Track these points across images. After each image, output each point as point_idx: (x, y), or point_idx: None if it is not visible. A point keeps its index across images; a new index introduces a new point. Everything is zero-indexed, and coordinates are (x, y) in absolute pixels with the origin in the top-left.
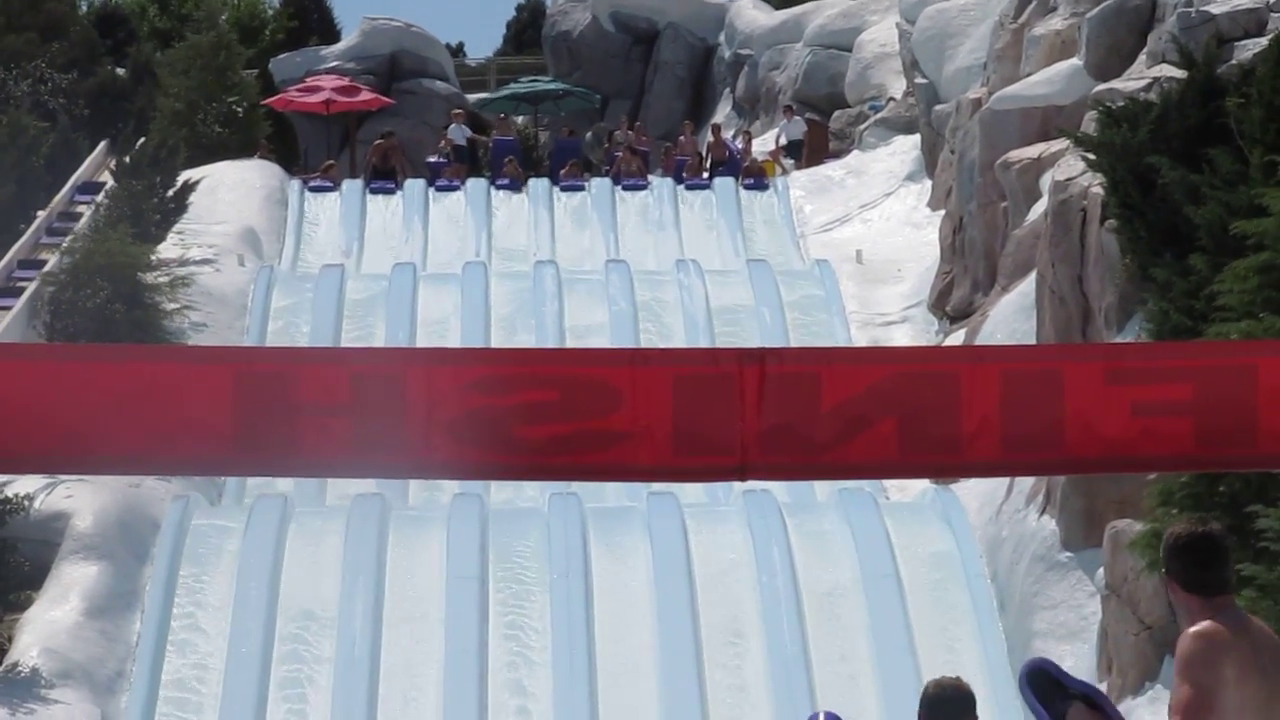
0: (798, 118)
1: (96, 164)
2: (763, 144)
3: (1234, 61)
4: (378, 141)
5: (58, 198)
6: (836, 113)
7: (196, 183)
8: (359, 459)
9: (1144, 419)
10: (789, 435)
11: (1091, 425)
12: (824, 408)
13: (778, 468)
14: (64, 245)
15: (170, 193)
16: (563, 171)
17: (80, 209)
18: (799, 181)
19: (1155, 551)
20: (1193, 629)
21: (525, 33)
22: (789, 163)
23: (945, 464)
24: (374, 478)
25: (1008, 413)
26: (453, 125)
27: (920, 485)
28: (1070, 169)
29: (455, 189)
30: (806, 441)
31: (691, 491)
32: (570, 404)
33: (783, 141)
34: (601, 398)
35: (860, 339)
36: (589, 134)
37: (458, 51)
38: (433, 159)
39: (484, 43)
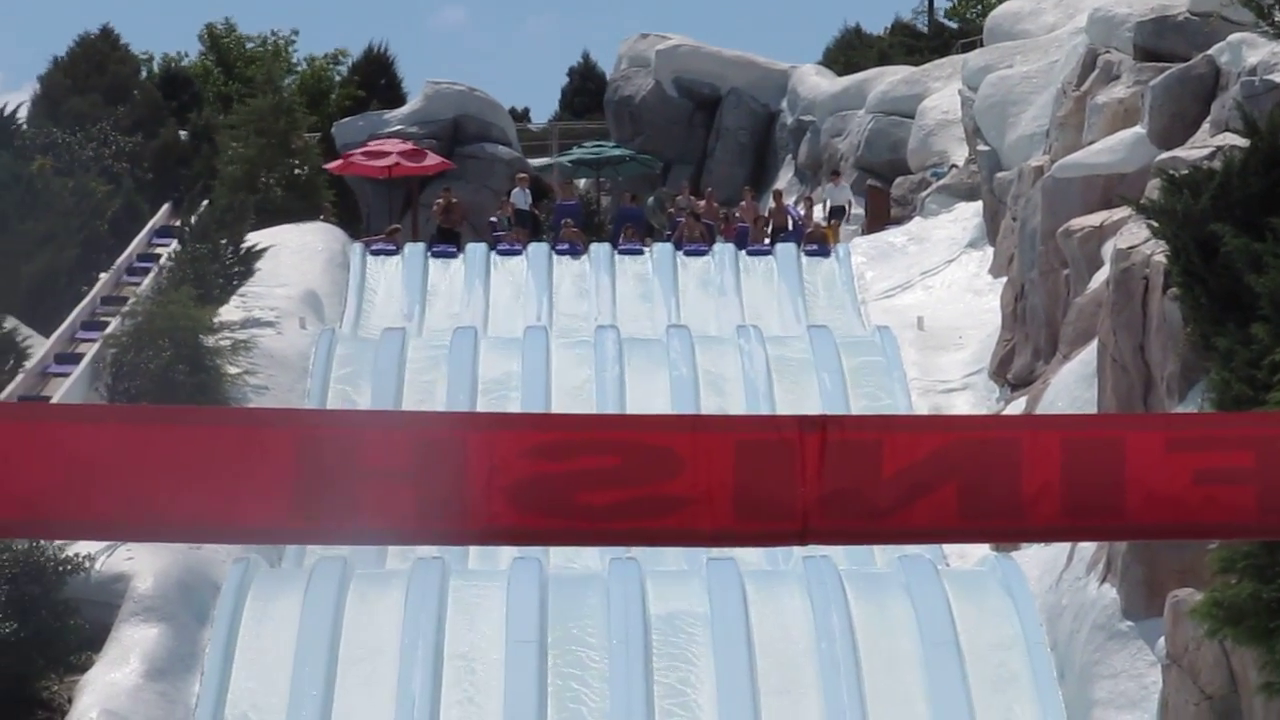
0: (844, 183)
1: (159, 226)
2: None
3: None
4: (438, 200)
5: (120, 259)
6: (899, 179)
7: (264, 249)
8: (420, 526)
9: (1206, 486)
10: (850, 500)
11: (1153, 492)
12: (885, 474)
13: (839, 532)
14: (126, 308)
15: (236, 256)
16: (623, 236)
17: (141, 274)
18: (860, 248)
19: (1215, 620)
20: None
21: (576, 97)
22: (849, 229)
23: (1006, 529)
24: (435, 544)
25: (1068, 479)
26: (515, 190)
27: (980, 553)
28: (1132, 237)
29: (517, 253)
30: (868, 506)
31: (751, 557)
32: (631, 469)
33: (826, 207)
34: (663, 463)
35: (921, 406)
36: (651, 199)
37: (522, 116)
38: (494, 220)
39: (544, 106)
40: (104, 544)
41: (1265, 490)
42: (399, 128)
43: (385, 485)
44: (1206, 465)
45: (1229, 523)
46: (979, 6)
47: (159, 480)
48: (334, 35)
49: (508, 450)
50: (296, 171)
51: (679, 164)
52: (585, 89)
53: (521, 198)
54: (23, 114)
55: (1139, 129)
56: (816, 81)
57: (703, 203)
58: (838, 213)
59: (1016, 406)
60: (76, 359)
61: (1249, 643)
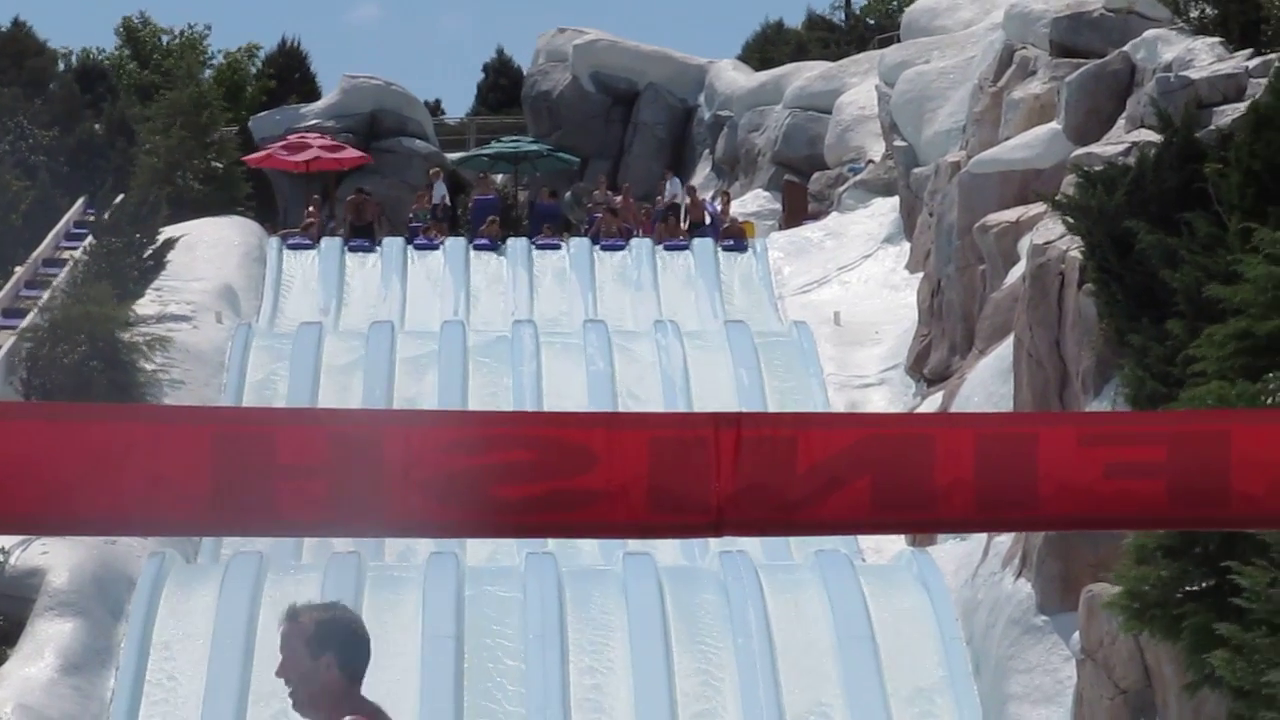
0: (675, 178)
1: (75, 220)
2: (741, 205)
3: (1212, 126)
4: (350, 198)
5: (36, 253)
6: (816, 174)
7: (175, 240)
8: (336, 519)
9: (1118, 479)
10: (764, 494)
11: (1065, 485)
12: (800, 469)
13: (752, 524)
14: (41, 302)
15: (150, 250)
16: (541, 233)
17: (58, 267)
18: (778, 243)
19: (1129, 612)
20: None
21: (491, 93)
22: (766, 224)
23: (919, 520)
24: (351, 537)
25: (981, 473)
26: (435, 183)
27: (896, 548)
28: (1048, 232)
29: (434, 247)
30: (781, 500)
31: (668, 552)
32: (546, 464)
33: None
34: (577, 458)
35: (838, 401)
36: (568, 194)
37: (436, 109)
38: (411, 218)
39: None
40: (19, 539)
41: (1175, 482)
42: (316, 121)
43: (301, 482)
44: (1118, 459)
45: (1140, 514)
46: (895, 2)
47: (73, 476)
48: (247, 31)
49: (424, 444)
50: (215, 165)
51: (596, 159)
52: (499, 85)
53: (440, 191)
54: None
55: (1055, 125)
56: (734, 77)
57: (619, 198)
58: (673, 209)
59: (933, 401)
60: None
61: (1162, 635)
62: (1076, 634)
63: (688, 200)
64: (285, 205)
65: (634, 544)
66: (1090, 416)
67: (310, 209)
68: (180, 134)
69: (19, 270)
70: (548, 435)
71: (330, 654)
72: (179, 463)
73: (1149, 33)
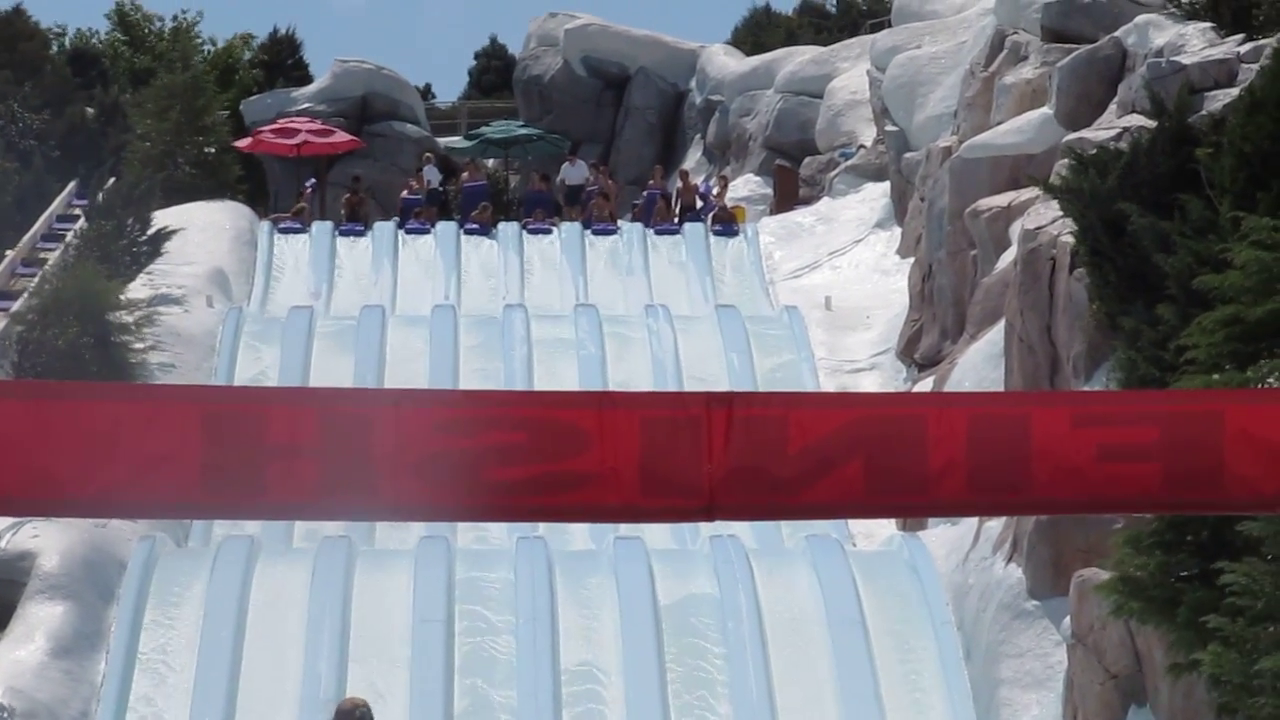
0: (580, 161)
1: (67, 203)
2: (732, 190)
3: (1204, 111)
4: (346, 196)
5: (27, 236)
6: (807, 159)
7: (173, 231)
8: (326, 501)
9: (1111, 462)
10: (756, 477)
11: (1058, 467)
12: (791, 450)
13: (744, 508)
14: (32, 285)
15: (144, 236)
16: (532, 219)
17: (49, 251)
18: (769, 228)
19: (1121, 596)
20: None
21: (484, 76)
22: (757, 209)
23: (911, 504)
24: (341, 520)
25: (974, 455)
26: (427, 167)
27: (887, 532)
28: (1040, 217)
29: (425, 232)
30: (773, 482)
31: (658, 536)
32: (538, 446)
33: (564, 186)
34: (569, 440)
35: (828, 386)
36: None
37: (426, 93)
38: (406, 195)
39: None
40: (9, 522)
41: (1169, 466)
42: (307, 105)
43: (291, 462)
44: (1111, 441)
45: (1134, 497)
46: None
47: (64, 456)
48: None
49: (415, 426)
50: (207, 150)
51: (588, 143)
52: (492, 68)
53: (433, 174)
54: None
55: (1046, 110)
56: (725, 61)
57: (611, 182)
58: (574, 193)
59: (924, 387)
60: None
61: (1153, 619)
62: (1067, 619)
63: (680, 184)
64: (276, 189)
65: (625, 528)
66: (1083, 396)
67: (301, 194)
68: (177, 118)
69: (10, 254)
70: (540, 416)
71: None
72: (170, 442)
73: (1140, 18)
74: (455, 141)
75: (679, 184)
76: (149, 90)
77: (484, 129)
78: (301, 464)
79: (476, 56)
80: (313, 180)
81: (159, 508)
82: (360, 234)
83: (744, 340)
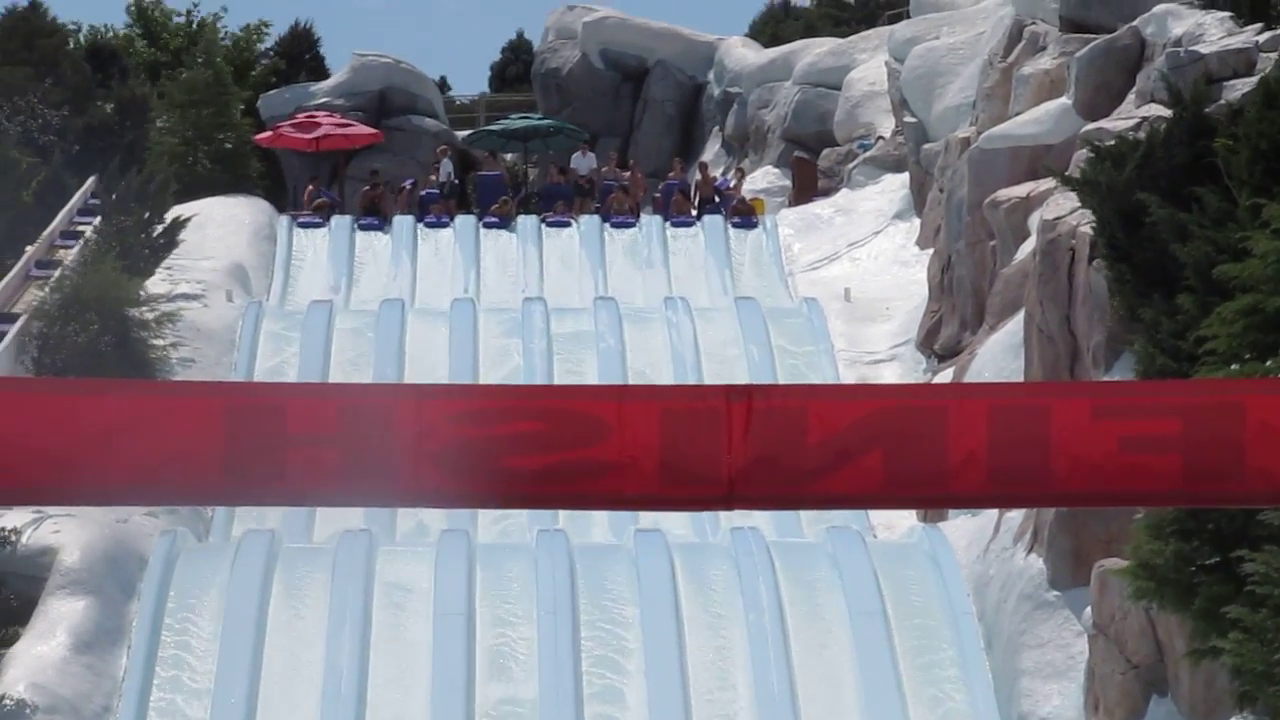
0: (591, 153)
1: (85, 199)
2: (751, 183)
3: (1222, 101)
4: (364, 189)
5: (46, 232)
6: (825, 151)
7: (188, 219)
8: (347, 488)
9: (1132, 453)
10: (775, 467)
11: (1079, 459)
12: (811, 441)
13: (764, 498)
14: (52, 281)
15: (160, 229)
16: (552, 212)
17: (68, 247)
18: (787, 220)
19: (1142, 582)
20: None
21: (508, 69)
22: (775, 200)
23: (931, 495)
24: (362, 506)
25: (994, 446)
26: (444, 161)
27: (908, 524)
28: (1058, 208)
29: (444, 225)
30: (792, 473)
31: (679, 528)
32: (558, 435)
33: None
34: (589, 429)
35: (848, 377)
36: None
37: (443, 87)
38: (424, 191)
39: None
40: (30, 517)
41: (1191, 458)
42: (325, 99)
43: (312, 450)
44: (1133, 432)
45: (1155, 490)
46: None
47: (84, 447)
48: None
49: (435, 415)
50: (225, 145)
51: (606, 136)
52: (518, 60)
53: (446, 169)
54: None
55: (1065, 100)
56: (743, 53)
57: (629, 174)
58: (582, 183)
59: (943, 377)
60: (3, 329)
61: (1173, 605)
62: (1088, 609)
63: (698, 177)
64: (295, 184)
65: (645, 520)
66: (1104, 386)
67: (310, 188)
68: (203, 111)
69: (30, 250)
70: (560, 407)
71: None
72: (191, 434)
73: (1159, 7)
74: (472, 134)
75: (698, 176)
76: (173, 84)
77: (501, 122)
78: (322, 452)
79: (503, 52)
80: (314, 178)
81: (182, 495)
82: (379, 228)
83: (763, 332)
